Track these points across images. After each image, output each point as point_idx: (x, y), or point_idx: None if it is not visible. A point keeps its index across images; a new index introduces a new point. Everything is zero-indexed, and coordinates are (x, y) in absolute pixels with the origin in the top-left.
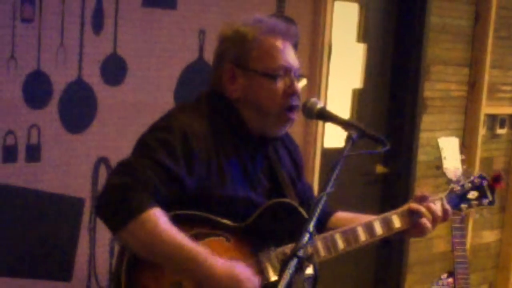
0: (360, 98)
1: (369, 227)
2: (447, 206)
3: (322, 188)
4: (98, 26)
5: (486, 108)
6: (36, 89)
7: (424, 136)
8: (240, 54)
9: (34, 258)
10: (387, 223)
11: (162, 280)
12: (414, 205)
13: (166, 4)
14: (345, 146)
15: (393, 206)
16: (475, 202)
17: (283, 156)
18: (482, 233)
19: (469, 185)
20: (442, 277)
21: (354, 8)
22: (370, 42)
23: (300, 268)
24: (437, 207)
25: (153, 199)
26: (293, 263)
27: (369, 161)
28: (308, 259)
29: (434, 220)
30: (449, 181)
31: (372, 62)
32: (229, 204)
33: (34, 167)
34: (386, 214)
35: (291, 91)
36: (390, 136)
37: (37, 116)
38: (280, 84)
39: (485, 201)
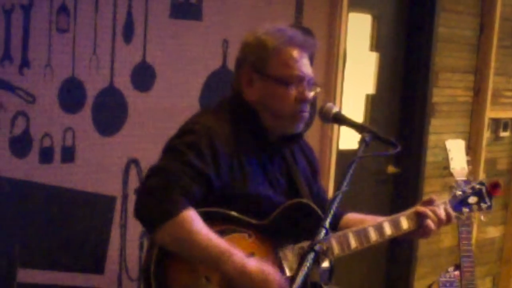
0: (373, 103)
1: (379, 228)
2: (450, 210)
3: (337, 187)
4: (128, 36)
5: (490, 113)
6: (70, 95)
7: (432, 139)
8: (259, 60)
9: (70, 252)
10: (396, 224)
11: (191, 272)
12: (420, 208)
13: (192, 15)
14: (359, 148)
15: (403, 203)
16: (475, 206)
17: (300, 160)
18: (486, 229)
19: (470, 190)
20: (449, 269)
21: (367, 19)
22: (382, 51)
23: (317, 261)
24: (441, 210)
25: (186, 200)
26: (311, 256)
27: (381, 161)
28: (324, 253)
29: (439, 222)
30: (453, 187)
31: (384, 69)
32: (251, 202)
33: (69, 167)
34: (395, 216)
35: (302, 98)
36: (400, 139)
37: (72, 120)
38: (292, 91)
39: (484, 206)
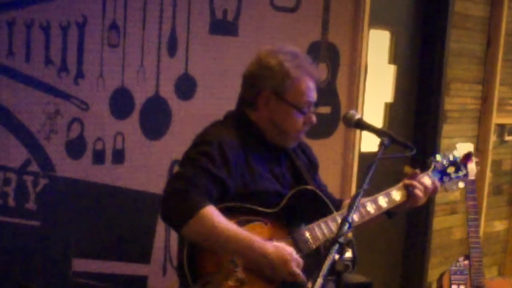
0: (391, 110)
1: (375, 202)
2: (434, 179)
3: (359, 185)
4: (172, 50)
5: (496, 119)
6: (120, 103)
7: (444, 142)
8: (280, 86)
9: (119, 244)
10: (389, 197)
11: (219, 260)
12: (407, 181)
13: (229, 32)
14: (378, 151)
15: None
16: (454, 174)
17: (300, 156)
18: (493, 223)
19: (447, 162)
20: (459, 259)
21: (386, 35)
22: (399, 63)
23: (341, 251)
24: (425, 179)
25: (206, 198)
26: (335, 248)
27: (398, 163)
28: (348, 244)
29: (425, 190)
30: (432, 161)
31: (401, 80)
32: (262, 197)
33: (119, 168)
34: (387, 190)
35: (309, 122)
36: (416, 142)
37: (121, 125)
38: (302, 116)
39: (461, 173)
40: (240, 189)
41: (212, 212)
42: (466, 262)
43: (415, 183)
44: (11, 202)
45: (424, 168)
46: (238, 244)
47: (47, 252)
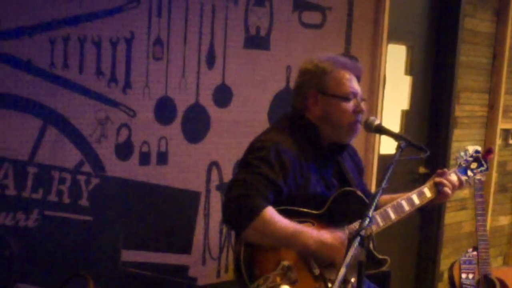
0: (407, 116)
1: (410, 200)
2: (460, 175)
3: (378, 184)
4: (210, 62)
5: (502, 124)
6: (164, 110)
7: (455, 145)
8: (321, 83)
9: (163, 236)
10: (421, 195)
11: (273, 261)
12: (438, 179)
13: (261, 46)
14: (396, 153)
15: None
16: (477, 170)
17: (348, 163)
18: (498, 218)
19: (470, 158)
20: (468, 251)
21: (403, 49)
22: (414, 75)
23: (362, 244)
24: (453, 178)
25: (265, 201)
26: (357, 240)
27: (414, 164)
28: (368, 237)
29: (453, 187)
30: (457, 158)
31: (416, 90)
32: (310, 199)
33: (163, 168)
34: (419, 188)
35: (358, 110)
36: (429, 145)
37: (165, 130)
38: (350, 104)
39: (482, 168)
40: (292, 193)
41: (272, 212)
42: (475, 253)
43: (444, 181)
44: (66, 199)
45: (436, 168)
46: (298, 238)
47: (99, 244)
